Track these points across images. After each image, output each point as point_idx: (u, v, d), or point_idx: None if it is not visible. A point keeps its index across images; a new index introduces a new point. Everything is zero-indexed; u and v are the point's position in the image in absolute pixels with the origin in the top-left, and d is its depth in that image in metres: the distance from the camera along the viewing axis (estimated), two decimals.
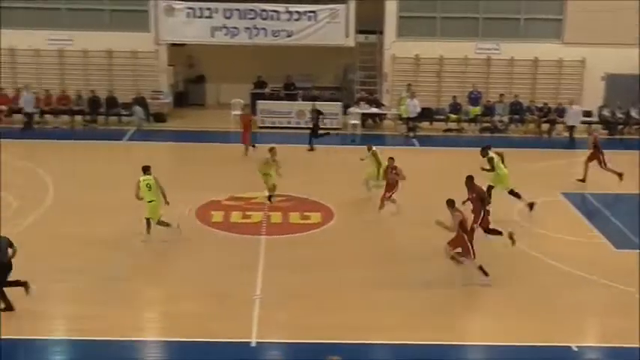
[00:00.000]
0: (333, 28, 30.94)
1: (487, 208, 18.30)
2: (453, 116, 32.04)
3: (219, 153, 26.75)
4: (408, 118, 31.16)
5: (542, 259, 18.11)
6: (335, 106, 31.91)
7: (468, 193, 18.29)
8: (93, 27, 32.05)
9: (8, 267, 15.14)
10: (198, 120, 31.33)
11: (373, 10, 31.92)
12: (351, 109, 31.95)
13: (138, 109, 31.17)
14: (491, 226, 18.37)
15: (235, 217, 20.69)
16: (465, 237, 16.46)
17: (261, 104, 31.71)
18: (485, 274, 16.51)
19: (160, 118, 32.12)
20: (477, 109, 32.11)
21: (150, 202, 18.56)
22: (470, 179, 18.22)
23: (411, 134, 30.93)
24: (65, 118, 31.58)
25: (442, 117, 32.22)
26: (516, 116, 32.12)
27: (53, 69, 32.43)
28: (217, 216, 20.79)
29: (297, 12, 30.84)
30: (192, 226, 20.02)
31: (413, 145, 29.74)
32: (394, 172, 20.89)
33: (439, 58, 32.69)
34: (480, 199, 18.14)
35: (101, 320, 14.94)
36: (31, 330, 14.53)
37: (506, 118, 32.01)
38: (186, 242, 18.91)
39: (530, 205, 20.97)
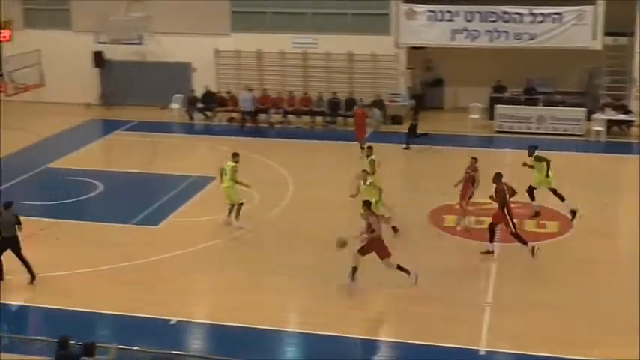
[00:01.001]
0: (579, 31, 29.59)
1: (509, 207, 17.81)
2: None
3: (454, 156, 26.28)
4: None
5: None
6: (578, 112, 30.65)
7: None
8: (336, 30, 32.89)
9: (13, 241, 16.38)
10: (434, 123, 31.09)
11: (623, 11, 30.14)
12: (596, 115, 30.48)
13: (376, 110, 31.62)
14: (519, 230, 18.03)
15: (469, 222, 20.32)
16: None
17: (499, 108, 31.06)
18: (407, 271, 16.16)
19: (397, 120, 32.33)
20: None
21: (225, 187, 19.74)
22: (497, 176, 17.95)
23: None
24: (306, 118, 32.66)
25: None
26: None
27: (296, 71, 33.67)
28: (450, 220, 20.58)
29: (542, 14, 29.77)
30: (424, 229, 20.01)
31: None
32: (470, 173, 19.72)
33: None
34: (500, 197, 17.67)
35: (324, 316, 15.28)
36: (256, 319, 15.17)
37: None
38: (417, 244, 18.91)
39: (572, 213, 20.01)
